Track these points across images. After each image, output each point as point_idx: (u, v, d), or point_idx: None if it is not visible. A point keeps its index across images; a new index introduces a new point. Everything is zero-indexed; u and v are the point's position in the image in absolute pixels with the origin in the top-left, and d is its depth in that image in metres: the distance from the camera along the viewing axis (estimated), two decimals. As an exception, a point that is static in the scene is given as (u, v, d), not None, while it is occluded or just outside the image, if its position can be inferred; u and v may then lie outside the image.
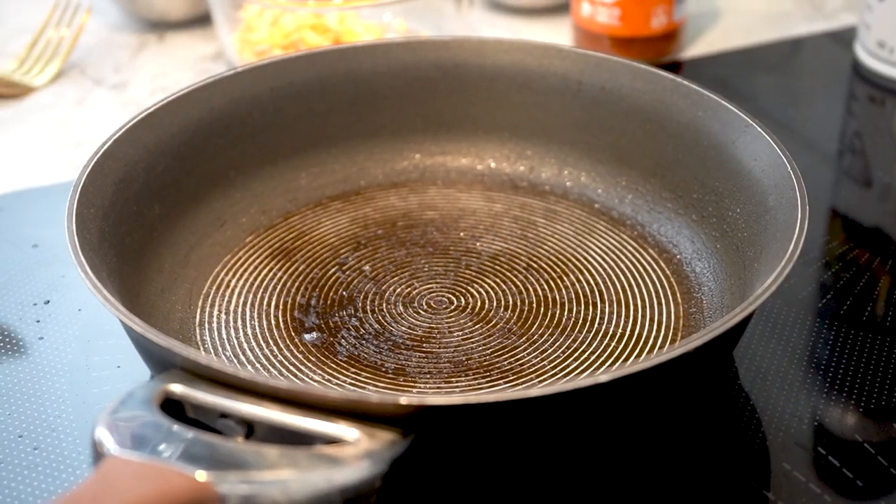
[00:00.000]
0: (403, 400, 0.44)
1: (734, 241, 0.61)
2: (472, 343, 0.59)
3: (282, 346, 0.59)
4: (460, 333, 0.60)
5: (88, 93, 0.88)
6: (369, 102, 0.71)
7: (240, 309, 0.61)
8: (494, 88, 0.72)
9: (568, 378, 0.57)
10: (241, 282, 0.63)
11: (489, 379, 0.57)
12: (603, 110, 0.69)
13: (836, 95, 0.88)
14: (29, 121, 0.84)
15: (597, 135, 0.70)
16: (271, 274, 0.64)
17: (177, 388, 0.46)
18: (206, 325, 0.60)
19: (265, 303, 0.62)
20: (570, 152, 0.71)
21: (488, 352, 0.58)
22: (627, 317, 0.61)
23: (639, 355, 0.58)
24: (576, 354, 0.58)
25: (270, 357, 0.58)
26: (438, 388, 0.56)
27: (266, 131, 0.69)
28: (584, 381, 0.46)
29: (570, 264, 0.64)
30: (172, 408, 0.46)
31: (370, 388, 0.55)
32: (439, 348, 0.59)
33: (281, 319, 0.60)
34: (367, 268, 0.64)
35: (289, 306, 0.61)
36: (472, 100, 0.72)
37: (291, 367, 0.57)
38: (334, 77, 0.71)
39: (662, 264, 0.64)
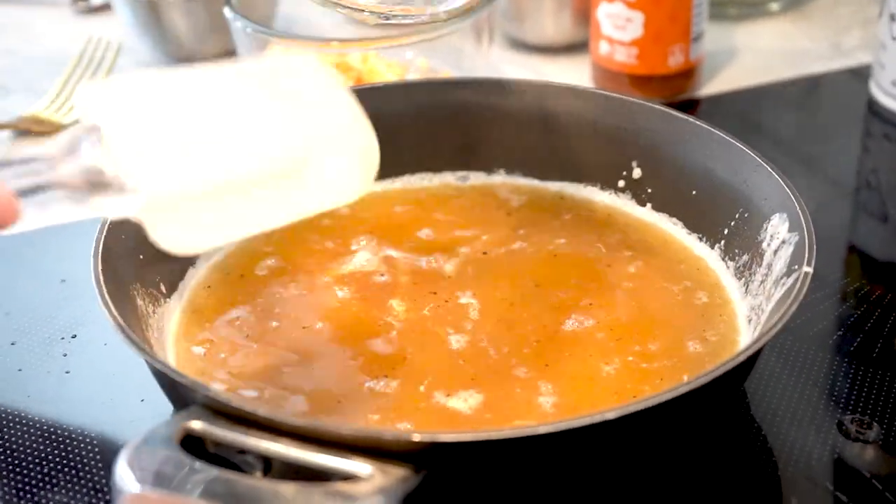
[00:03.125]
0: (416, 436, 0.46)
1: (755, 275, 0.62)
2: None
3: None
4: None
5: (117, 130, 0.90)
6: (391, 141, 0.73)
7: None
8: (512, 127, 0.73)
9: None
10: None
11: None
12: (618, 149, 0.71)
13: (853, 132, 0.89)
14: (59, 158, 0.86)
15: (614, 173, 0.72)
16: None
17: (197, 425, 0.47)
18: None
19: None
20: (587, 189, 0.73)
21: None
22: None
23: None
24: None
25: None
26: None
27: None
28: (592, 417, 0.47)
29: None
30: (194, 443, 0.47)
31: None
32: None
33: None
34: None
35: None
36: (490, 139, 0.74)
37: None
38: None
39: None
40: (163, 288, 0.62)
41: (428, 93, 0.74)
